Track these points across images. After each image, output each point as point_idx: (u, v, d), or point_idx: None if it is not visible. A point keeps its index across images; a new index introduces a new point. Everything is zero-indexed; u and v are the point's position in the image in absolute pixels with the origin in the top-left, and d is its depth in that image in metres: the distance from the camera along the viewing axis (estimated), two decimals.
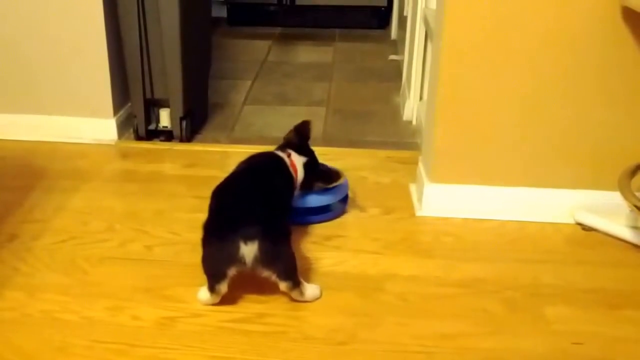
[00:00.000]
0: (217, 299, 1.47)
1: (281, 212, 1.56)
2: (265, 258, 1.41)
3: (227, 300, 1.49)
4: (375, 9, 3.96)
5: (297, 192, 1.74)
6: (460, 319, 1.47)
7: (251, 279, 1.45)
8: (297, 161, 1.72)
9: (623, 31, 1.68)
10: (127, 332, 1.41)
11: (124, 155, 2.28)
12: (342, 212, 1.88)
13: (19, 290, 1.54)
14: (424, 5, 2.42)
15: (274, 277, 1.44)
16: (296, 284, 1.47)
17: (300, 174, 1.72)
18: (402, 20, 3.28)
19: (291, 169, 1.70)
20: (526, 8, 1.67)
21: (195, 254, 1.49)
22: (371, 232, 1.80)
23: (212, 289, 1.45)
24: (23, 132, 2.33)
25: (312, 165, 1.77)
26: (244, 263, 1.41)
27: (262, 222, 1.43)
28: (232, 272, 1.43)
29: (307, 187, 1.76)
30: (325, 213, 1.84)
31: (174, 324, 1.44)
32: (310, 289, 1.50)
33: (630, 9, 1.60)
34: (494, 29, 1.70)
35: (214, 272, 1.45)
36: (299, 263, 1.49)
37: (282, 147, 1.75)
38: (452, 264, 1.66)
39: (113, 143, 2.33)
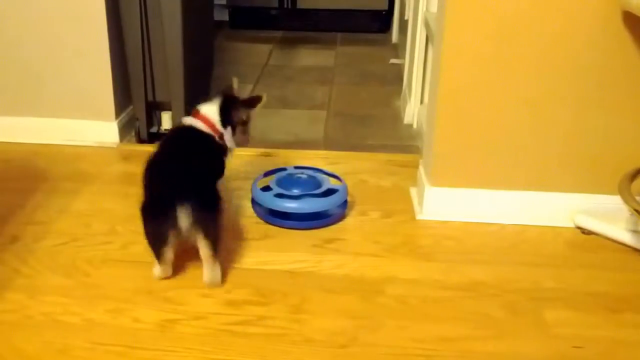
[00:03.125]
0: (169, 270, 1.55)
1: (212, 178, 1.62)
2: (198, 219, 1.47)
3: (227, 302, 1.49)
4: (376, 13, 3.97)
5: (231, 138, 1.72)
6: (461, 322, 1.47)
7: (250, 282, 1.45)
8: (208, 111, 1.70)
9: (624, 35, 1.68)
10: (128, 334, 1.41)
11: (126, 157, 2.28)
12: (340, 218, 1.87)
13: (20, 292, 1.54)
14: (424, 9, 2.43)
15: (200, 237, 1.48)
16: (216, 251, 1.51)
17: (215, 119, 1.69)
18: (403, 24, 3.29)
19: (206, 127, 1.68)
20: (527, 13, 1.68)
21: (196, 257, 1.50)
22: (372, 235, 1.80)
23: (158, 257, 1.52)
24: (25, 135, 2.33)
25: (229, 102, 1.74)
26: (180, 227, 1.46)
27: (194, 188, 1.50)
28: (172, 236, 1.48)
29: (241, 122, 1.75)
30: (322, 219, 1.83)
31: (175, 326, 1.44)
32: (218, 271, 1.54)
33: (631, 13, 1.61)
34: (494, 33, 1.70)
35: (155, 240, 1.51)
36: (299, 265, 1.49)
37: (195, 111, 1.72)
38: (452, 267, 1.66)
39: (115, 146, 2.34)
